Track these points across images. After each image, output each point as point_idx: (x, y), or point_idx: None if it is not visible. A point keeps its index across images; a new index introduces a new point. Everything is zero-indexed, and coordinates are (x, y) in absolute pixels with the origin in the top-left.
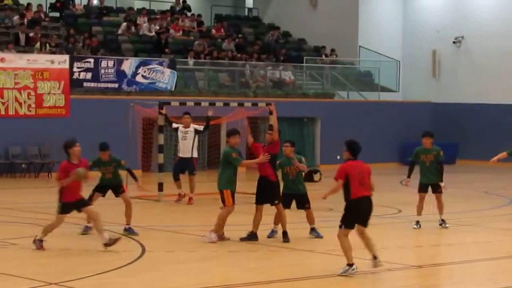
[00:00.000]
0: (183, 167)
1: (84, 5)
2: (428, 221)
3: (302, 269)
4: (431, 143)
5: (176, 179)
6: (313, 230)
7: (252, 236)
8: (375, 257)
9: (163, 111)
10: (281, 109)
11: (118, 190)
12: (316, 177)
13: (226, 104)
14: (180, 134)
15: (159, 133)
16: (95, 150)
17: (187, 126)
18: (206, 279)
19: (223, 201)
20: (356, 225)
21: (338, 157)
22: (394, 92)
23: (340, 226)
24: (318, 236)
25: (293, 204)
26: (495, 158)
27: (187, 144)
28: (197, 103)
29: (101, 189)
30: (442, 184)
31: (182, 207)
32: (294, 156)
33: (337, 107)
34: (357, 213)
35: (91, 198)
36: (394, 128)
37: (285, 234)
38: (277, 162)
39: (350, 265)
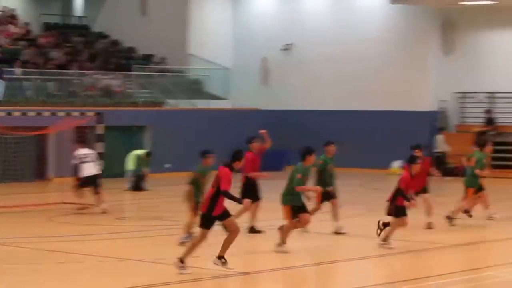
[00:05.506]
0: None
1: None
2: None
3: (134, 280)
4: None
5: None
6: None
7: None
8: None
9: None
10: (111, 118)
11: None
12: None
13: (53, 114)
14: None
15: None
16: None
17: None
18: None
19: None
20: None
21: (166, 166)
22: (224, 99)
23: None
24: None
25: None
26: None
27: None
28: (24, 113)
29: None
30: None
31: None
32: None
33: (167, 115)
34: None
35: None
36: (224, 136)
37: None
38: None
39: None
